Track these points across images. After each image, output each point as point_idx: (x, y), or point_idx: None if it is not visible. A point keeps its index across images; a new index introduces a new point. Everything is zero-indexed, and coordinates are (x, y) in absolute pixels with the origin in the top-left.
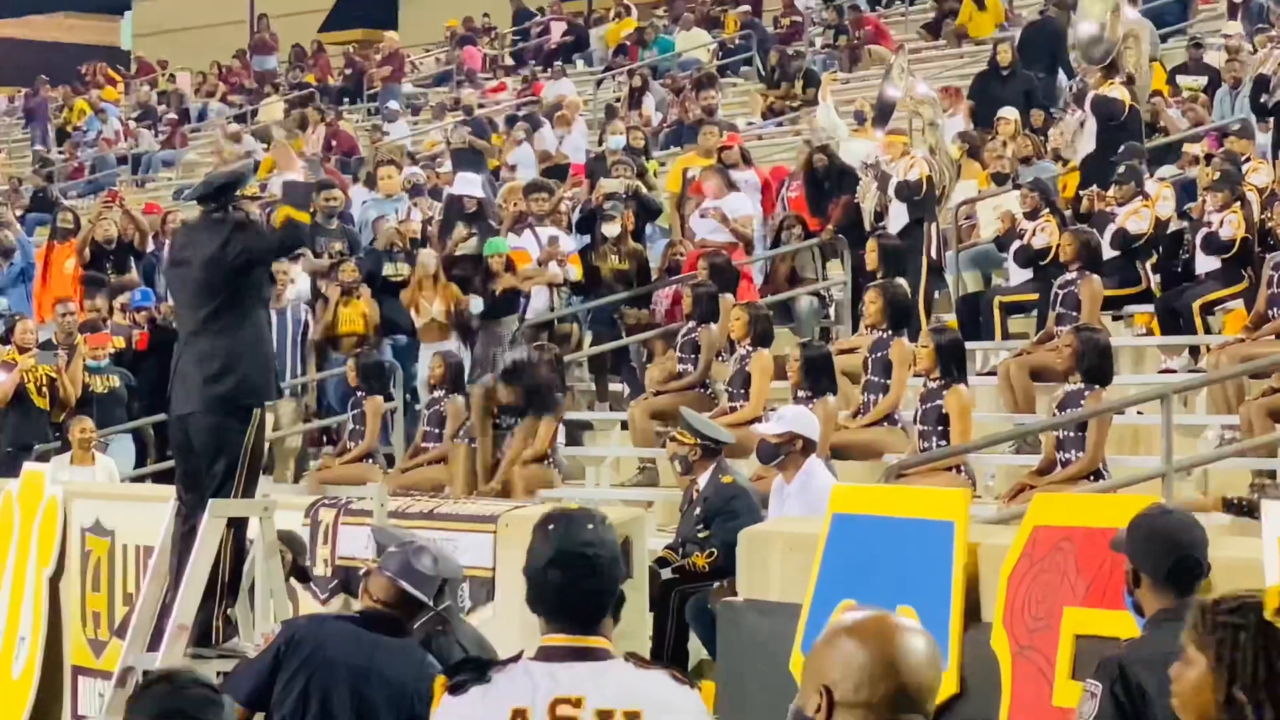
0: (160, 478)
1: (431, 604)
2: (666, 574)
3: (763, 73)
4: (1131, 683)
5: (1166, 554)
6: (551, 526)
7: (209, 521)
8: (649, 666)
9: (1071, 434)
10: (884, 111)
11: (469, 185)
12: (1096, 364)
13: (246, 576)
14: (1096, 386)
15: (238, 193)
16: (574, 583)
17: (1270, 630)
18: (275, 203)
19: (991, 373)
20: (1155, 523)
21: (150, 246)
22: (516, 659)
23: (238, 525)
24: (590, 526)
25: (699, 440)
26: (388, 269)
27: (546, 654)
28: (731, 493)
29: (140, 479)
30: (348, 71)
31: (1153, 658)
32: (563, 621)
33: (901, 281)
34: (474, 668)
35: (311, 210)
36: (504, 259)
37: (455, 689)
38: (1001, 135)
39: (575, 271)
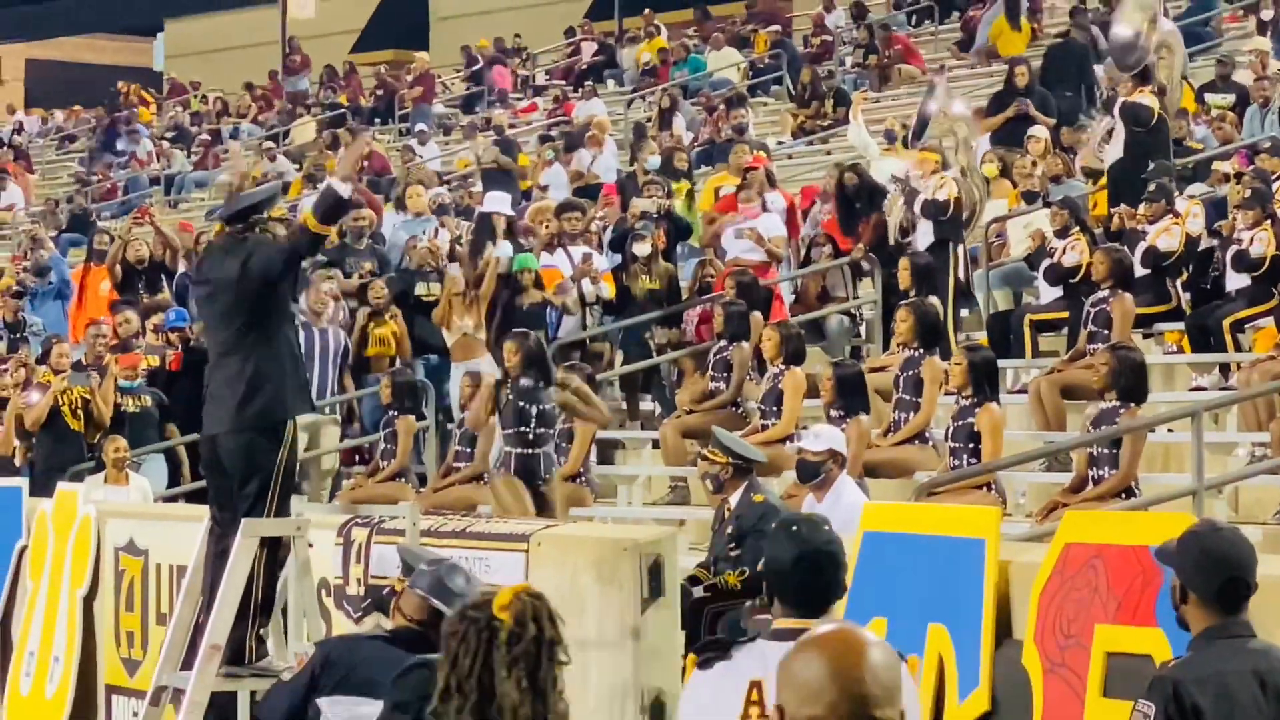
0: (193, 497)
1: None
2: (698, 592)
3: (793, 92)
4: (1186, 703)
5: (1217, 572)
6: (794, 528)
7: (242, 541)
8: None
9: (1105, 451)
10: (921, 126)
11: (499, 204)
12: (1133, 382)
13: (280, 596)
14: (1132, 404)
15: (265, 214)
16: (816, 576)
17: (494, 624)
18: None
19: (1022, 391)
20: (1206, 540)
21: (183, 266)
22: (754, 639)
23: (271, 544)
24: (826, 528)
25: (730, 459)
26: (420, 289)
27: (780, 635)
28: (763, 511)
29: (173, 499)
30: (379, 92)
31: (1206, 677)
32: (800, 608)
33: (934, 300)
34: (718, 645)
35: (340, 229)
36: (533, 274)
37: (703, 664)
38: (1032, 154)
39: (609, 289)
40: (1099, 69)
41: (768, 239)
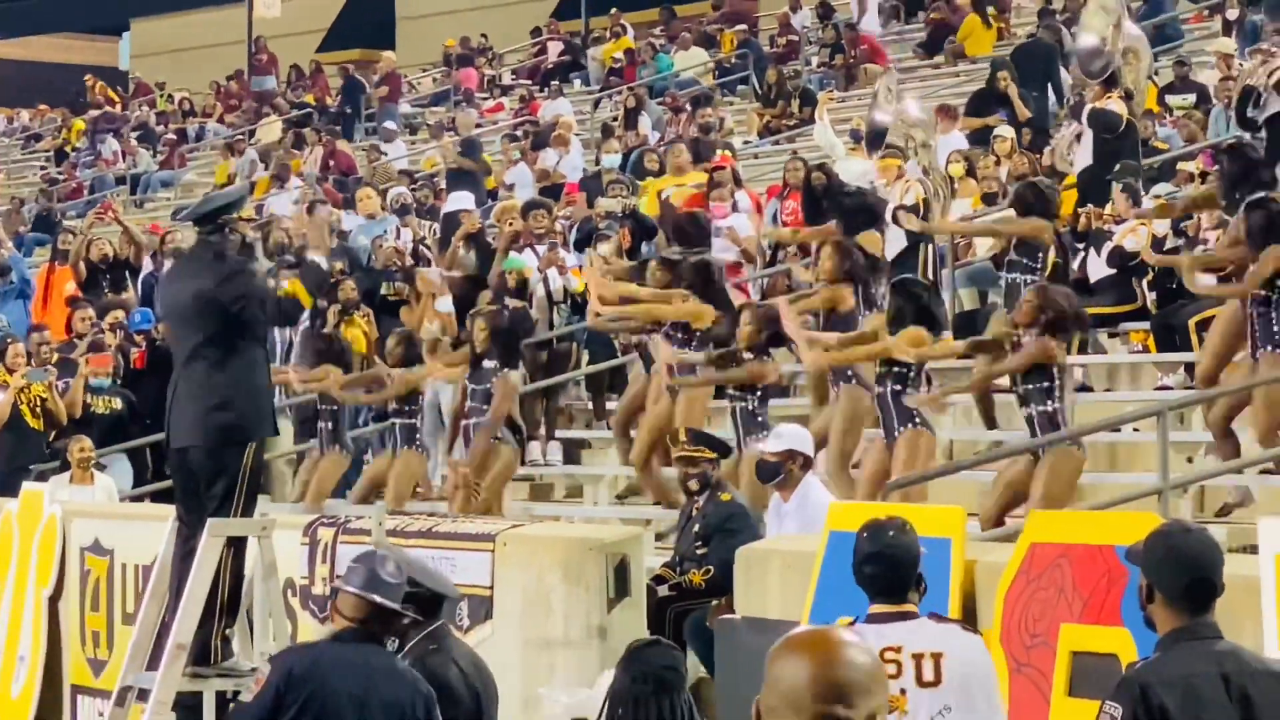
0: (159, 497)
1: (400, 609)
2: (664, 591)
3: (759, 91)
4: (1153, 703)
5: (1184, 573)
6: (865, 534)
7: (207, 541)
8: (945, 621)
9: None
10: (875, 136)
11: (463, 203)
12: (1054, 317)
13: (245, 596)
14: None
15: (233, 215)
16: (886, 571)
17: None
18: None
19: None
20: (1174, 541)
21: (150, 266)
22: (851, 623)
23: (237, 545)
24: (891, 533)
25: (715, 453)
26: (385, 288)
27: (873, 618)
28: (730, 510)
29: (139, 498)
30: (351, 86)
31: (1173, 678)
32: (882, 597)
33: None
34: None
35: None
36: (517, 275)
37: None
38: (997, 153)
39: (577, 283)
40: (1064, 73)
41: (743, 238)
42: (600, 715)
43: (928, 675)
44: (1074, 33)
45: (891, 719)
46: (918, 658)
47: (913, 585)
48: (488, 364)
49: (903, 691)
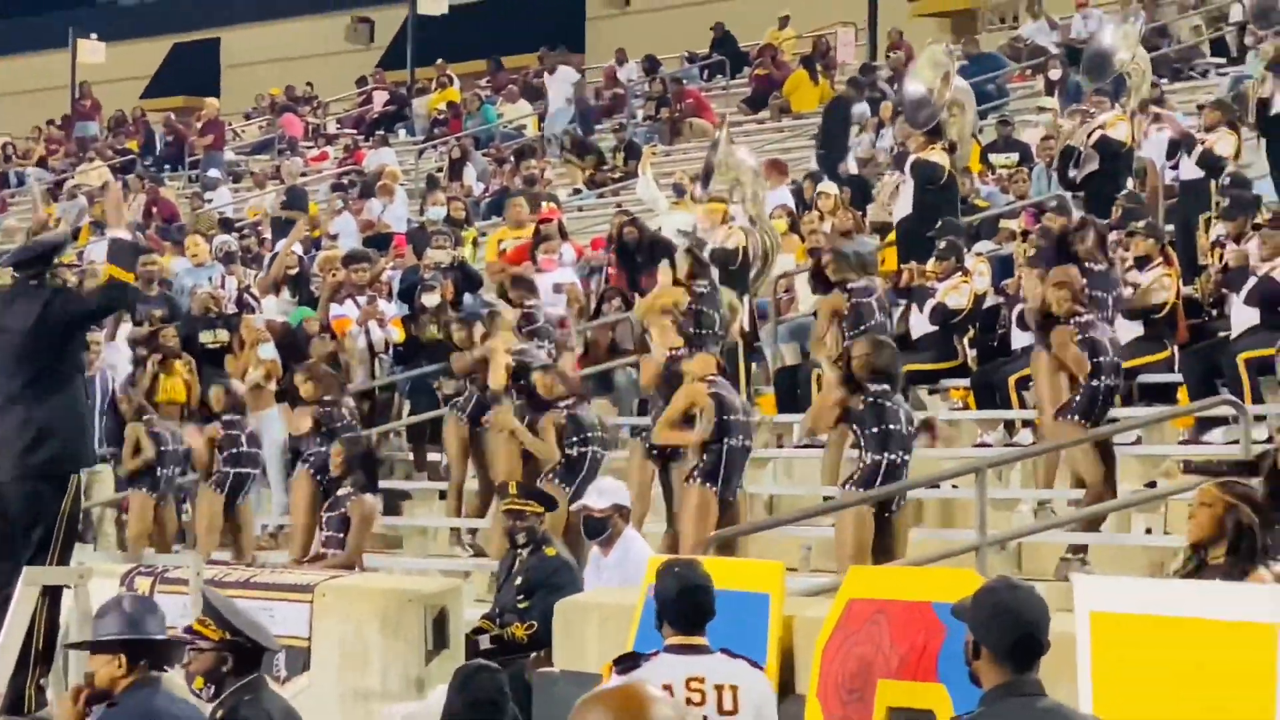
0: None
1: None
2: (485, 643)
3: (564, 145)
4: None
5: (1010, 629)
6: (677, 569)
7: (23, 589)
8: (735, 657)
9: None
10: (708, 179)
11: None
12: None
13: (61, 645)
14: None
15: (56, 260)
16: (694, 606)
17: None
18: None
19: (809, 444)
20: (1001, 597)
21: None
22: (655, 654)
23: (53, 593)
24: (689, 570)
25: (543, 507)
26: (205, 336)
27: (672, 649)
28: (555, 565)
29: None
30: (169, 139)
31: None
32: (681, 630)
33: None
34: (631, 657)
35: (136, 273)
36: (316, 323)
37: (621, 671)
38: (821, 209)
39: (398, 334)
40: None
41: (566, 288)
42: None
43: (727, 705)
44: (898, 87)
45: None
46: (719, 688)
47: (707, 620)
48: (343, 489)
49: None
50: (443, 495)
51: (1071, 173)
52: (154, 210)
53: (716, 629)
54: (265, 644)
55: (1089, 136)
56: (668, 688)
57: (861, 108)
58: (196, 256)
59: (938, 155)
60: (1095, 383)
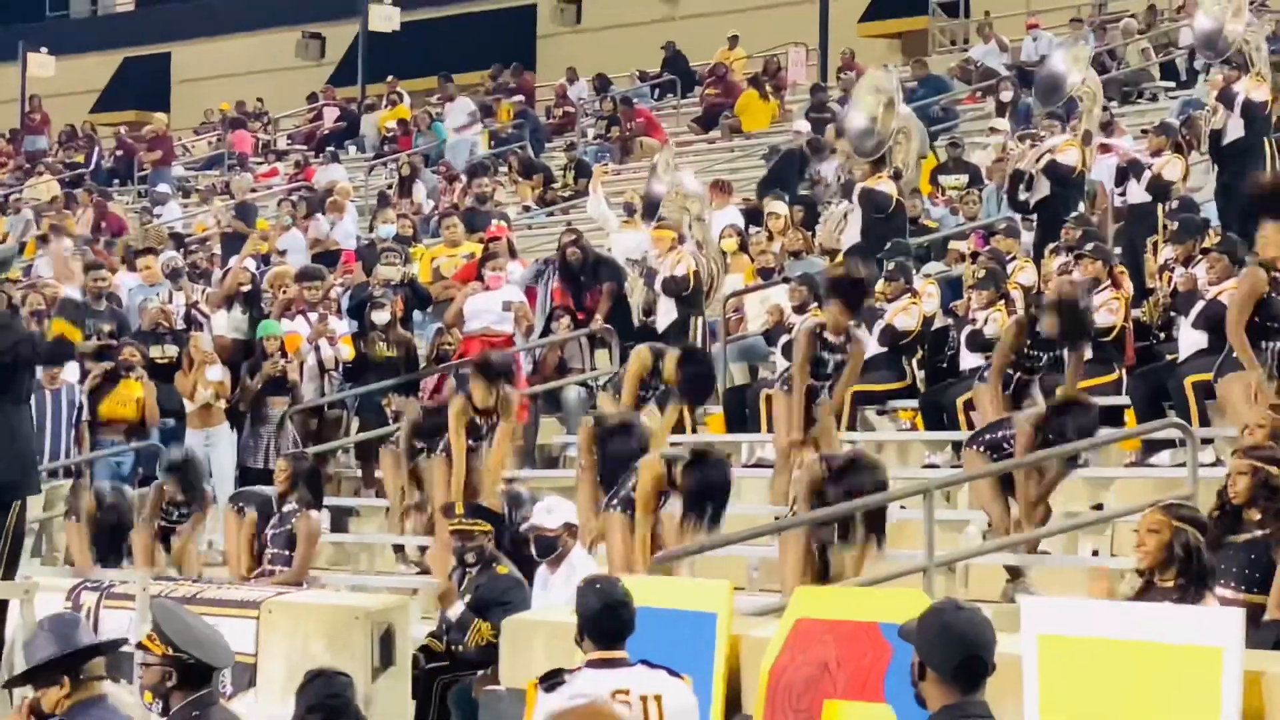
0: None
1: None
2: (437, 646)
3: (510, 166)
4: None
5: (956, 650)
6: (599, 586)
7: None
8: (655, 668)
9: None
10: (651, 207)
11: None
12: None
13: (6, 660)
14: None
15: (2, 275)
16: (616, 622)
17: None
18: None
19: (758, 464)
20: (946, 618)
21: None
22: (579, 669)
23: None
24: (612, 587)
25: (491, 526)
26: (154, 351)
27: (595, 664)
28: (507, 584)
29: None
30: (119, 153)
31: None
32: (605, 642)
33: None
34: (556, 674)
35: (84, 330)
36: (278, 341)
37: (548, 688)
38: (771, 230)
39: (348, 351)
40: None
41: (514, 306)
42: None
43: (653, 715)
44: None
45: None
46: (644, 699)
47: (628, 635)
48: (288, 506)
49: None
50: (388, 512)
51: (1023, 196)
52: (102, 224)
53: (663, 650)
54: (211, 661)
55: (1038, 161)
56: (592, 701)
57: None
58: (150, 273)
59: (885, 184)
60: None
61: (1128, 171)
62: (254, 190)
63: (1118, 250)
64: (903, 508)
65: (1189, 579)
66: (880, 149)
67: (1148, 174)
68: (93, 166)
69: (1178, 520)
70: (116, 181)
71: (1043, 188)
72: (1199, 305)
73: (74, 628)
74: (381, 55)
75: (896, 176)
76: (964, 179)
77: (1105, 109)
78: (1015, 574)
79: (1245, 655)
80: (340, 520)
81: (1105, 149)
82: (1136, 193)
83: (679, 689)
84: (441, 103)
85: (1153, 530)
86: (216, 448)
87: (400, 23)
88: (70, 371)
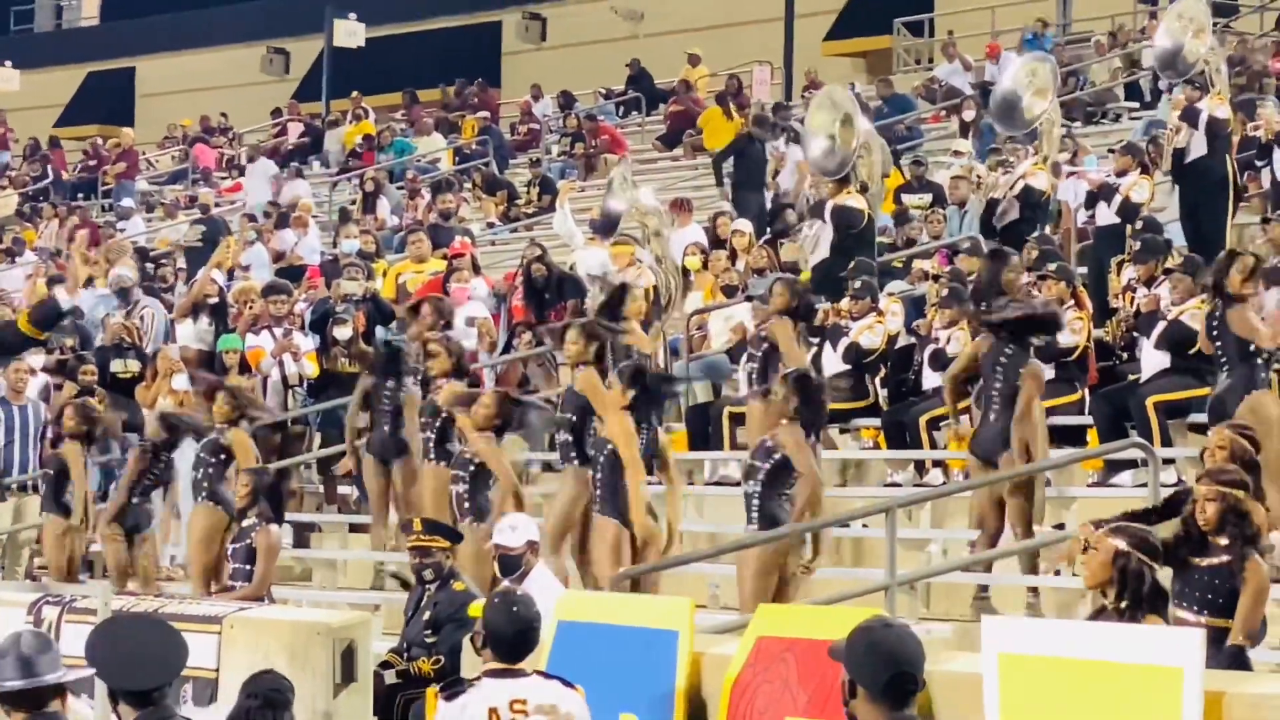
0: None
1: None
2: (390, 677)
3: (474, 183)
4: None
5: (884, 667)
6: (515, 608)
7: None
8: (550, 678)
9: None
10: (608, 223)
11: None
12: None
13: None
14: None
15: None
16: (524, 641)
17: None
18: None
19: (720, 482)
20: (874, 635)
21: None
22: (479, 679)
23: None
24: (532, 608)
25: (449, 542)
26: (116, 365)
27: (491, 674)
28: (463, 600)
29: None
30: (92, 163)
31: None
32: (508, 657)
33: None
34: (457, 683)
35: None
36: (237, 355)
37: (449, 697)
38: (735, 247)
39: (313, 368)
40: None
41: (479, 322)
42: None
43: None
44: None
45: None
46: (540, 708)
47: (530, 653)
48: (248, 521)
49: None
50: (353, 529)
51: (995, 222)
52: (76, 236)
53: (624, 667)
54: (131, 686)
55: (1012, 187)
56: (494, 711)
57: (775, 144)
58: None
59: (855, 200)
60: None
61: (1097, 197)
62: (217, 205)
63: (1082, 270)
64: (865, 526)
65: (1133, 600)
66: (845, 166)
67: (1118, 198)
68: (51, 179)
69: (1124, 541)
70: (80, 195)
71: (1013, 213)
72: (1161, 325)
73: (41, 655)
74: (346, 71)
75: (863, 190)
76: (928, 198)
77: (1067, 131)
78: (983, 591)
79: (1206, 675)
80: (302, 536)
81: (1074, 175)
82: (1106, 215)
83: (574, 700)
84: (405, 119)
85: (1093, 548)
86: (180, 460)
87: (365, 39)
88: (34, 389)
